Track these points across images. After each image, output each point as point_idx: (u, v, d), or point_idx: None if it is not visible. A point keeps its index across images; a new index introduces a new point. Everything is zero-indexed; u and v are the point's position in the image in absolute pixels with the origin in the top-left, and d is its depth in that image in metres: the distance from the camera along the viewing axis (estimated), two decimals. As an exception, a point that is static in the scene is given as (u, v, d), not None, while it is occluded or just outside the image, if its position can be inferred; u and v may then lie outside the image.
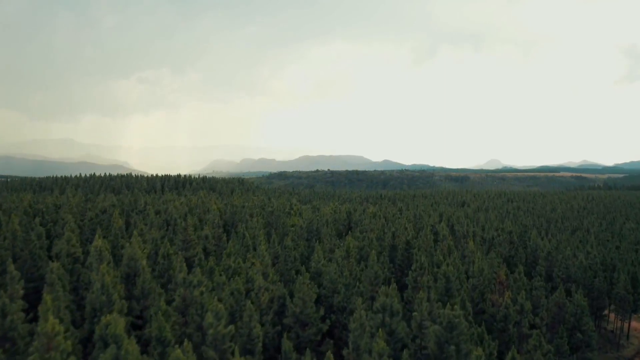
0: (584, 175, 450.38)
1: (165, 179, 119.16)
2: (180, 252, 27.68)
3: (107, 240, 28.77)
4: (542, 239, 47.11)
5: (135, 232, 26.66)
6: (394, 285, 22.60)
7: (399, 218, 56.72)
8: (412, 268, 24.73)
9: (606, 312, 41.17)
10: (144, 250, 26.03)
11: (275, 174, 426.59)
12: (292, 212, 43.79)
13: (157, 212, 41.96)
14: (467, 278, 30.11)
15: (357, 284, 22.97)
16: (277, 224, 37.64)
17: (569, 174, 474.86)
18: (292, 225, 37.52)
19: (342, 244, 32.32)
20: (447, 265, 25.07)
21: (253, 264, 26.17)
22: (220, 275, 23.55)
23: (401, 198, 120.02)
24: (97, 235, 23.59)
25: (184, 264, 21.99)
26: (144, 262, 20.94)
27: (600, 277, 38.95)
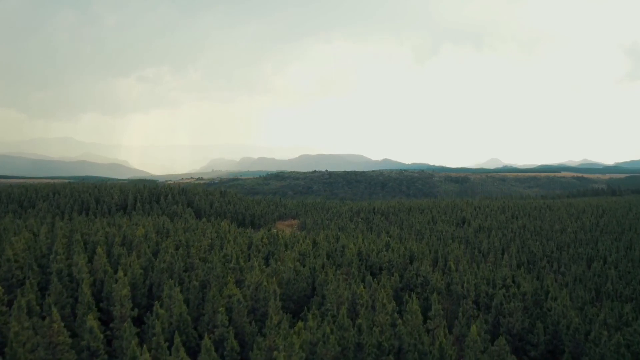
0: (585, 175, 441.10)
1: (138, 191, 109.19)
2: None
3: None
4: (564, 294, 37.11)
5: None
6: None
7: (384, 256, 46.81)
8: None
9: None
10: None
11: (272, 174, 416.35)
12: (239, 267, 33.77)
13: (61, 273, 31.95)
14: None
15: None
16: (209, 296, 27.67)
17: (570, 174, 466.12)
18: (230, 297, 27.69)
19: (289, 336, 22.43)
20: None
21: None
22: None
23: (395, 212, 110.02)
24: None
25: None
26: None
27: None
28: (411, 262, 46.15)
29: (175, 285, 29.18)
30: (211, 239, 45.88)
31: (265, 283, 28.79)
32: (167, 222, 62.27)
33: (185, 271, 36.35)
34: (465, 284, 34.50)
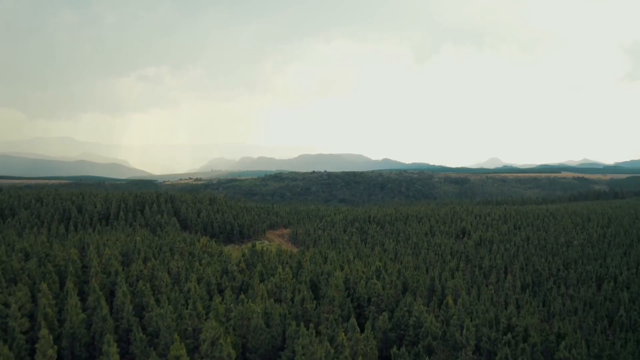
0: (586, 176, 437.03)
1: (122, 200, 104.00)
2: None
3: None
4: (578, 336, 32.04)
5: None
6: None
7: (374, 285, 41.79)
8: None
9: None
10: None
11: (270, 175, 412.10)
12: (196, 314, 28.57)
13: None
14: None
15: None
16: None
17: (570, 174, 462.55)
18: (177, 358, 22.79)
19: None
20: None
21: None
22: None
23: (392, 221, 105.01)
24: None
25: None
26: None
27: None
28: (404, 292, 41.13)
29: (114, 339, 24.17)
30: (177, 268, 40.82)
31: (222, 341, 23.80)
32: (142, 240, 57.23)
33: (139, 313, 31.37)
34: (464, 331, 29.49)
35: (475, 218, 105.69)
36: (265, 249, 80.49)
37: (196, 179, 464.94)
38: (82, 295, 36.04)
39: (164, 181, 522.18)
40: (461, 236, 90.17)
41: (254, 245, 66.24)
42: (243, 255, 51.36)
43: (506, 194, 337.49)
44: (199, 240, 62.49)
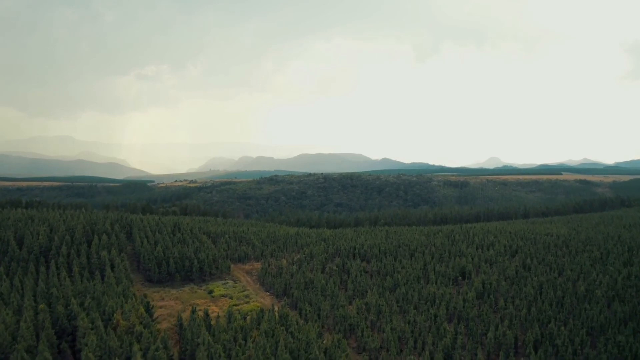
0: (587, 178, 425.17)
1: (69, 229, 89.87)
2: None
3: None
4: None
5: None
6: None
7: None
8: None
9: None
10: None
11: (266, 177, 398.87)
12: None
13: None
14: None
15: None
16: None
17: (572, 176, 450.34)
18: None
19: None
20: None
21: None
22: None
23: (380, 254, 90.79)
24: None
25: None
26: None
27: None
28: None
29: None
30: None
31: None
32: (42, 312, 43.18)
33: None
34: None
35: (477, 250, 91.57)
36: (217, 304, 65.85)
37: (190, 182, 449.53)
38: None
39: (159, 183, 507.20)
40: (460, 278, 76.07)
41: (194, 311, 52.25)
42: (165, 339, 37.07)
43: (507, 197, 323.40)
44: (128, 299, 48.34)
